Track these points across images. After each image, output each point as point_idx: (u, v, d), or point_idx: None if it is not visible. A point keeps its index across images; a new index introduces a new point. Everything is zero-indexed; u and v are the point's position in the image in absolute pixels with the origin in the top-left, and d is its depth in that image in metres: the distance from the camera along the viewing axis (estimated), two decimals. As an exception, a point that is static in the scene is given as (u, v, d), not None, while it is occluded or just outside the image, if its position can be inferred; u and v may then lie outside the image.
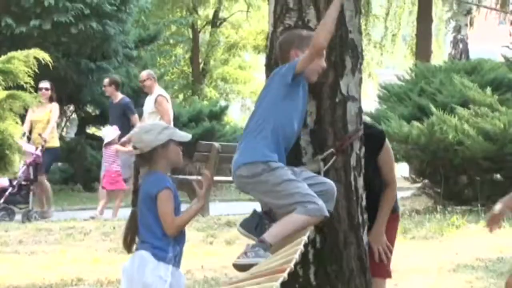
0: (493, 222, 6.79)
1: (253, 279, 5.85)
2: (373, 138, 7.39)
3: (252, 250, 5.96)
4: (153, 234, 6.42)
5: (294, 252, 5.82)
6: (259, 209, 6.57)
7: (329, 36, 6.15)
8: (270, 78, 6.55)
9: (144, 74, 20.59)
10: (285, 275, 5.56)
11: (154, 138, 6.48)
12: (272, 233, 6.07)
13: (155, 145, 6.46)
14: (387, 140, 7.49)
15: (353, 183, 7.02)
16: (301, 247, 5.88)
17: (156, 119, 19.26)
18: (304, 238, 6.02)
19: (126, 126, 20.01)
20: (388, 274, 7.39)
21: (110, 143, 19.65)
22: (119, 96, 20.86)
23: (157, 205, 6.33)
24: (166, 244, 6.39)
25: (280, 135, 6.19)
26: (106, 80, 21.08)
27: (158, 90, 20.45)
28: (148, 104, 20.09)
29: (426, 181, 21.01)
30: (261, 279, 5.71)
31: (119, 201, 19.77)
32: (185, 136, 6.72)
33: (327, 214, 6.21)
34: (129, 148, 18.96)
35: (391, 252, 7.30)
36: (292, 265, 5.67)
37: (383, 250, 7.19)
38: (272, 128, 6.18)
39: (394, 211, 7.49)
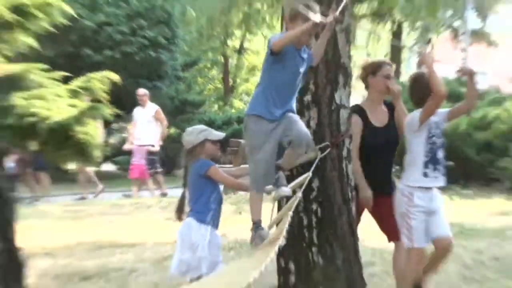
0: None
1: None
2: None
3: (256, 236, 6.00)
4: (198, 204, 6.61)
5: (284, 224, 5.98)
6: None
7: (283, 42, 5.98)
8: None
9: (142, 91, 20.28)
10: (280, 242, 5.71)
11: (194, 139, 6.68)
12: (252, 212, 6.08)
13: (195, 144, 6.65)
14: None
15: (344, 169, 7.08)
16: (289, 218, 5.99)
17: (155, 125, 19.42)
18: (290, 213, 6.08)
19: None
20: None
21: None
22: None
23: (211, 180, 6.53)
24: (207, 210, 6.56)
25: (273, 91, 6.00)
26: None
27: (151, 104, 20.17)
28: (144, 114, 19.82)
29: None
30: (265, 248, 5.87)
31: (147, 185, 19.92)
32: (219, 135, 6.87)
33: (263, 190, 6.07)
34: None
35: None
36: (284, 232, 5.79)
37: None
38: (263, 88, 6.07)
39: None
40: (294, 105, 6.21)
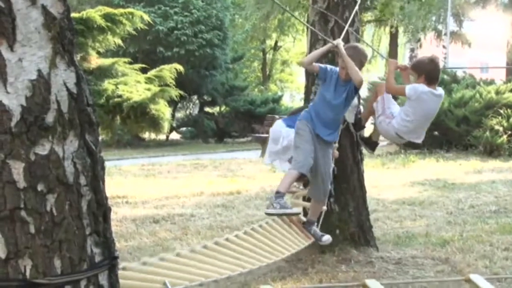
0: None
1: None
2: None
3: (276, 202, 5.54)
4: None
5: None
6: None
7: (306, 61, 5.84)
8: None
9: None
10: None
11: None
12: (281, 184, 5.67)
13: None
14: None
15: (354, 137, 6.91)
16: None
17: None
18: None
19: None
20: None
21: None
22: None
23: None
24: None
25: (314, 110, 5.74)
26: None
27: None
28: None
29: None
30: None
31: None
32: None
33: (302, 171, 5.69)
34: None
35: None
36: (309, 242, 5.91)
37: None
38: (312, 105, 5.86)
39: None
40: (337, 133, 6.05)
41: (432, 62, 6.12)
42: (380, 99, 6.31)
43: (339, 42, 5.86)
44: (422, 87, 5.97)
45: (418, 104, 6.02)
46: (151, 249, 7.21)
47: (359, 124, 6.74)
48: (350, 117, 6.56)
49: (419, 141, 6.34)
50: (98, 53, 22.79)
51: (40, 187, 2.15)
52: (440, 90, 6.19)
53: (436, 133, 18.26)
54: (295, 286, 5.68)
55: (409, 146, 18.21)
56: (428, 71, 6.05)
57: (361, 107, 7.04)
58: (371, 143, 6.71)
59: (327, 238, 5.99)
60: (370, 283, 2.55)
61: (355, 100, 6.59)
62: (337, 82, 5.75)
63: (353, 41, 6.86)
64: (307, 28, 7.13)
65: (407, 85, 6.08)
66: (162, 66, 24.70)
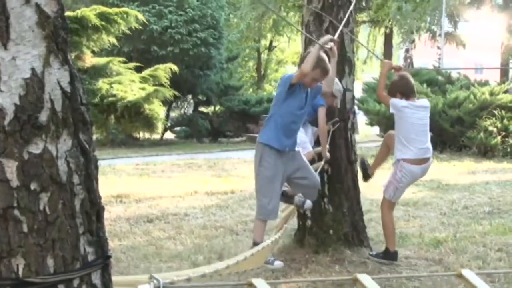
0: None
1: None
2: None
3: None
4: None
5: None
6: None
7: (309, 67, 5.37)
8: (279, 84, 5.94)
9: None
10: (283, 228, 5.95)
11: None
12: (255, 235, 5.65)
13: None
14: None
15: (349, 138, 6.96)
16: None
17: None
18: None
19: None
20: None
21: None
22: None
23: None
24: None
25: (279, 123, 5.52)
26: None
27: None
28: None
29: (389, 136, 20.79)
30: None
31: None
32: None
33: (271, 218, 5.72)
34: None
35: None
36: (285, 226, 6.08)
37: None
38: (274, 119, 5.59)
39: None
40: (297, 138, 5.86)
41: (402, 78, 6.63)
42: (387, 183, 6.71)
43: (331, 42, 5.82)
44: (401, 102, 6.37)
45: (402, 118, 6.39)
46: (144, 248, 7.20)
47: (366, 174, 6.89)
48: (337, 102, 6.72)
49: (430, 154, 6.66)
50: (93, 52, 22.76)
51: (33, 186, 2.15)
52: (421, 102, 6.51)
53: (430, 134, 18.30)
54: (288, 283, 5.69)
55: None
56: (400, 88, 6.49)
57: (356, 107, 7.09)
58: None
59: (308, 204, 5.97)
60: (361, 278, 2.56)
61: (340, 86, 6.64)
62: (303, 91, 5.67)
63: (348, 41, 6.89)
64: (302, 28, 7.15)
65: (390, 100, 6.32)
66: (156, 66, 24.64)
